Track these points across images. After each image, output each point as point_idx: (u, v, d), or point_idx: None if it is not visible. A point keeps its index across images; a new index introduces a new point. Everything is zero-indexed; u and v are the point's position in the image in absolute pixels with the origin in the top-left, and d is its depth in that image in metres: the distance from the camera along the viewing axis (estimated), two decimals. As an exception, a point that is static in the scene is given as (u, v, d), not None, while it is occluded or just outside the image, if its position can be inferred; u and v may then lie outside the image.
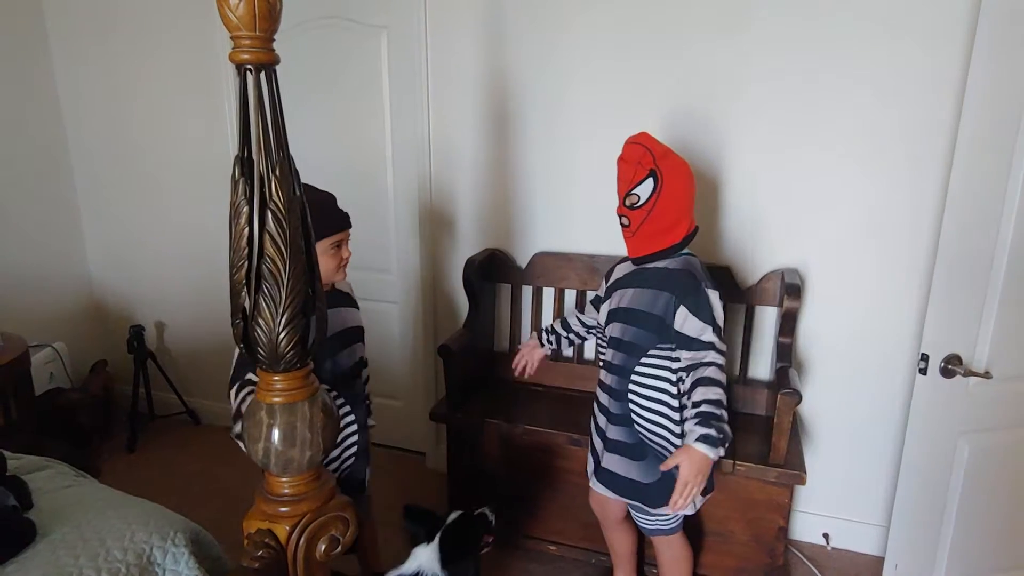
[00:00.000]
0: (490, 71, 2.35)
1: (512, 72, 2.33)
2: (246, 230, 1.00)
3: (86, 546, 1.16)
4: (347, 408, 1.64)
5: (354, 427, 1.66)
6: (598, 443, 1.79)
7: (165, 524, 1.26)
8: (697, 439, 1.49)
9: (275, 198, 1.00)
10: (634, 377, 1.67)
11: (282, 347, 1.04)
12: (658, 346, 1.63)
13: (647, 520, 1.77)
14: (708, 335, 1.56)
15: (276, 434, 1.09)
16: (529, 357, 1.99)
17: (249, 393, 1.48)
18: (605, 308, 1.76)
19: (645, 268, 1.66)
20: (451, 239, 2.58)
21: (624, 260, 1.76)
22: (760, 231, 2.19)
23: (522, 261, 2.46)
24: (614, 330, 1.71)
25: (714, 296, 1.59)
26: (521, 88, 2.33)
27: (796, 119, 2.06)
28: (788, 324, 2.06)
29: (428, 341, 2.69)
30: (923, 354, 1.65)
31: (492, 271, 2.45)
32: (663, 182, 1.54)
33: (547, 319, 2.46)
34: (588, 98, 2.26)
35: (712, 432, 1.50)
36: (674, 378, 1.63)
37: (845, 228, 2.10)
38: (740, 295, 2.20)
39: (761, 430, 2.13)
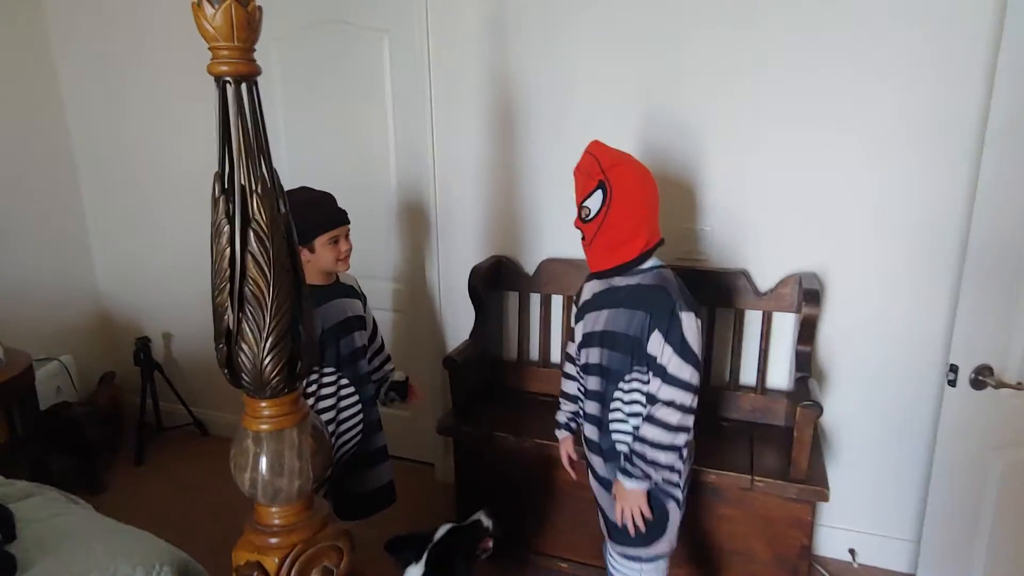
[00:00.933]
0: (493, 74, 2.29)
1: (515, 74, 2.27)
2: (227, 250, 0.95)
3: (68, 580, 1.12)
4: (351, 389, 1.79)
5: (358, 406, 1.81)
6: (592, 477, 1.68)
7: (151, 556, 1.21)
8: (619, 472, 1.50)
9: (257, 216, 0.95)
10: (613, 404, 1.54)
11: (267, 372, 0.99)
12: (635, 369, 1.50)
13: (614, 566, 1.66)
14: (673, 366, 1.42)
15: (263, 463, 1.03)
16: (571, 452, 1.81)
17: None
18: (579, 331, 1.61)
19: (615, 286, 1.53)
20: (457, 246, 2.52)
21: (591, 278, 1.61)
22: (776, 234, 2.11)
23: (529, 268, 2.39)
24: (591, 355, 1.57)
25: (688, 319, 1.43)
26: (525, 90, 2.27)
27: (812, 115, 1.98)
28: (807, 331, 1.97)
29: (435, 351, 2.63)
30: (952, 365, 1.56)
31: (499, 279, 2.39)
32: (612, 193, 1.43)
33: (556, 327, 2.40)
34: (593, 99, 2.19)
35: (629, 468, 1.48)
36: (635, 409, 1.53)
37: (866, 229, 2.01)
38: (756, 300, 2.12)
39: (780, 442, 2.04)
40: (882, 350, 2.08)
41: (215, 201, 0.94)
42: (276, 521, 1.09)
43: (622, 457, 1.53)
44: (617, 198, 1.43)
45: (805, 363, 1.98)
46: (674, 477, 1.53)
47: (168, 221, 2.97)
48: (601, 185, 1.44)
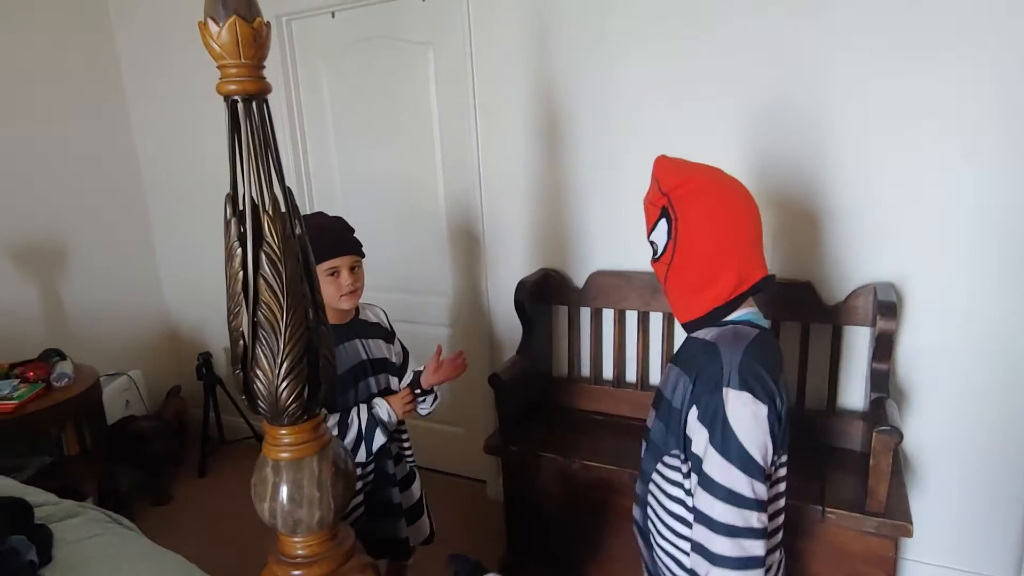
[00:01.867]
0: (538, 84, 2.23)
1: (560, 83, 2.19)
2: (240, 273, 0.92)
3: (92, 609, 1.12)
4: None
5: (373, 458, 1.62)
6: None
7: (174, 583, 1.21)
8: None
9: (269, 238, 0.91)
10: (651, 486, 1.18)
11: (283, 399, 0.95)
12: (672, 453, 1.12)
13: None
14: (713, 467, 1.01)
15: (283, 492, 1.00)
16: None
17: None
18: None
19: (691, 337, 1.16)
20: (504, 259, 2.47)
21: None
22: (847, 239, 1.93)
23: (579, 281, 2.31)
24: (649, 418, 1.23)
25: (737, 401, 1.00)
26: (570, 99, 2.19)
27: (891, 107, 1.80)
28: (883, 347, 1.79)
29: (484, 366, 2.58)
30: (1057, 387, 1.36)
31: (547, 293, 2.31)
32: (677, 223, 1.08)
33: (607, 342, 2.29)
34: (644, 105, 2.09)
35: None
36: (690, 501, 1.08)
37: (953, 235, 1.81)
38: (824, 314, 1.95)
39: (855, 469, 1.86)
40: (973, 368, 1.87)
41: (227, 224, 0.92)
42: (299, 552, 1.05)
43: None
44: (684, 229, 1.08)
45: (882, 382, 1.80)
46: None
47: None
48: (664, 212, 1.10)
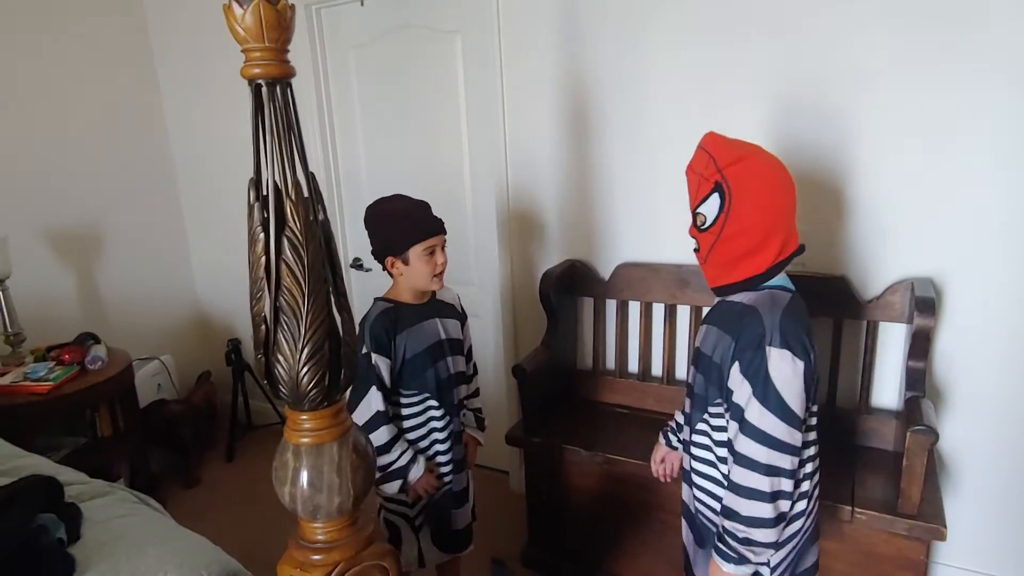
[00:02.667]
0: (566, 72, 2.20)
1: (589, 72, 2.16)
2: (263, 259, 0.92)
3: (118, 586, 1.14)
4: (446, 420, 1.67)
5: (450, 441, 1.69)
6: None
7: (200, 565, 1.22)
8: (713, 549, 1.23)
9: (292, 223, 0.91)
10: (694, 436, 1.33)
11: (304, 385, 0.95)
12: (715, 403, 1.25)
13: None
14: (753, 414, 1.13)
15: (303, 478, 1.00)
16: (670, 460, 1.58)
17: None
18: None
19: (725, 300, 1.28)
20: (530, 249, 2.45)
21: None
22: (884, 232, 1.87)
23: (605, 272, 2.28)
24: (689, 373, 1.37)
25: (780, 358, 1.12)
26: (600, 88, 2.16)
27: (929, 97, 1.73)
28: (920, 345, 1.73)
29: (508, 357, 2.57)
30: (1107, 389, 1.29)
31: (573, 284, 2.29)
32: (731, 197, 1.16)
33: (634, 335, 2.26)
34: (674, 94, 2.05)
35: (722, 548, 1.19)
36: (724, 452, 1.24)
37: (996, 230, 1.74)
38: (859, 309, 1.89)
39: (887, 469, 1.81)
40: (1012, 368, 1.79)
41: (250, 208, 0.92)
42: (319, 537, 1.05)
43: (715, 532, 1.26)
44: (738, 203, 1.16)
45: (918, 381, 1.74)
46: (775, 558, 1.23)
47: (257, 228, 3.10)
48: (718, 187, 1.17)
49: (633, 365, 2.29)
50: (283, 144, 0.91)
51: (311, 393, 0.96)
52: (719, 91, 1.98)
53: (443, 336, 1.66)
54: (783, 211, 1.18)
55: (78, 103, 2.83)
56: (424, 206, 1.61)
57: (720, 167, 1.17)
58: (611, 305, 2.29)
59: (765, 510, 1.14)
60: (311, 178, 0.95)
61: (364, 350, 1.55)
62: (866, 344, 1.92)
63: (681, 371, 2.22)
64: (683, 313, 2.17)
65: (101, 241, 2.93)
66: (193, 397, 2.99)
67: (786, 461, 1.14)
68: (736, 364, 1.17)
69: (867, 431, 1.94)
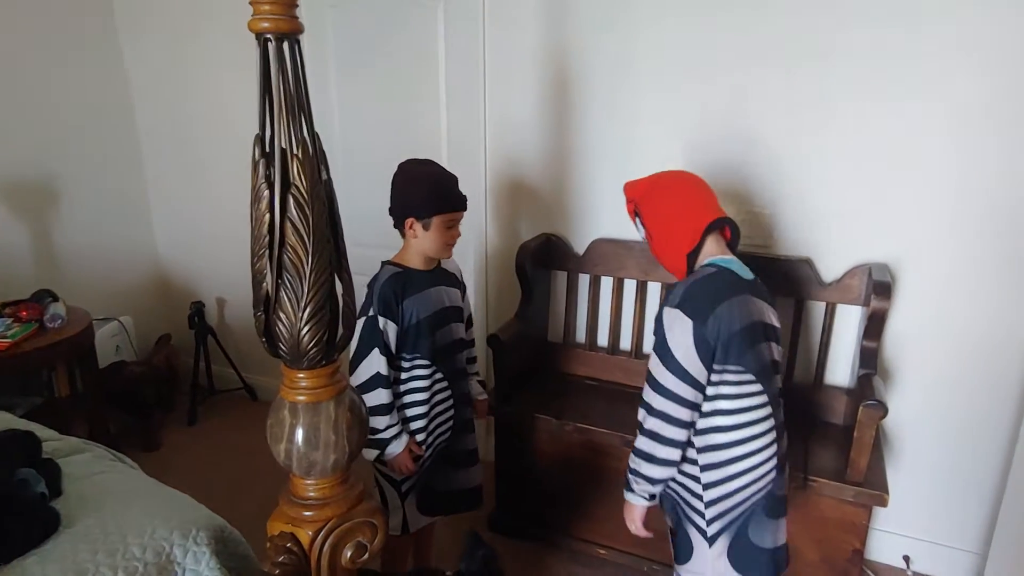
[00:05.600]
0: (549, 48, 2.20)
1: (572, 49, 2.17)
2: (267, 216, 0.92)
3: (106, 540, 1.13)
4: (445, 383, 1.70)
5: (450, 402, 1.72)
6: None
7: (188, 521, 1.22)
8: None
9: (297, 181, 0.91)
10: None
11: (304, 343, 0.96)
12: None
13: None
14: (653, 366, 1.32)
15: (299, 435, 1.02)
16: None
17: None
18: None
19: None
20: (507, 222, 2.47)
21: None
22: (845, 221, 1.97)
23: (579, 248, 2.32)
24: None
25: (670, 316, 1.30)
26: (581, 65, 2.17)
27: (887, 94, 1.82)
28: (875, 326, 1.84)
29: (481, 327, 2.59)
30: (1041, 370, 1.42)
31: (548, 257, 2.33)
32: (643, 218, 1.46)
33: (605, 310, 2.32)
34: (654, 75, 2.08)
35: (626, 478, 1.41)
36: None
37: (947, 220, 1.86)
38: (820, 291, 1.99)
39: (837, 441, 1.93)
40: (959, 351, 1.93)
41: (255, 164, 0.92)
42: (311, 494, 1.08)
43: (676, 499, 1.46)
44: (646, 217, 1.45)
45: (870, 360, 1.86)
46: (695, 503, 1.38)
47: (224, 188, 3.01)
48: (637, 211, 1.49)
49: (603, 339, 2.35)
50: (290, 102, 0.91)
51: (311, 351, 0.97)
52: (702, 76, 2.02)
53: (447, 303, 1.69)
54: (679, 208, 1.41)
55: (29, 50, 2.67)
56: (455, 179, 1.64)
57: (630, 199, 1.50)
58: (584, 280, 2.34)
59: (647, 445, 1.34)
60: (316, 137, 0.95)
61: (371, 312, 1.56)
62: (824, 324, 2.02)
63: (649, 346, 2.29)
64: (654, 290, 2.24)
65: (57, 194, 2.80)
66: (154, 359, 2.93)
67: (672, 408, 1.30)
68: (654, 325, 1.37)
69: (820, 405, 2.06)
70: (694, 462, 1.36)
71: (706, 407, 1.33)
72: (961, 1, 1.70)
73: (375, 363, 1.55)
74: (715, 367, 1.30)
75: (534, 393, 2.22)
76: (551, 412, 2.08)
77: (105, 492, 1.27)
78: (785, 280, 2.01)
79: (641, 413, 1.36)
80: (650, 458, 1.34)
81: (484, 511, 2.32)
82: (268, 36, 0.88)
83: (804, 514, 1.83)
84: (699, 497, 1.37)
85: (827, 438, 1.96)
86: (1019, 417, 1.85)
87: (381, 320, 1.55)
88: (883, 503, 1.72)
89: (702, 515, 1.37)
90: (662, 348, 1.31)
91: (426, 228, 1.59)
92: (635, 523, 1.44)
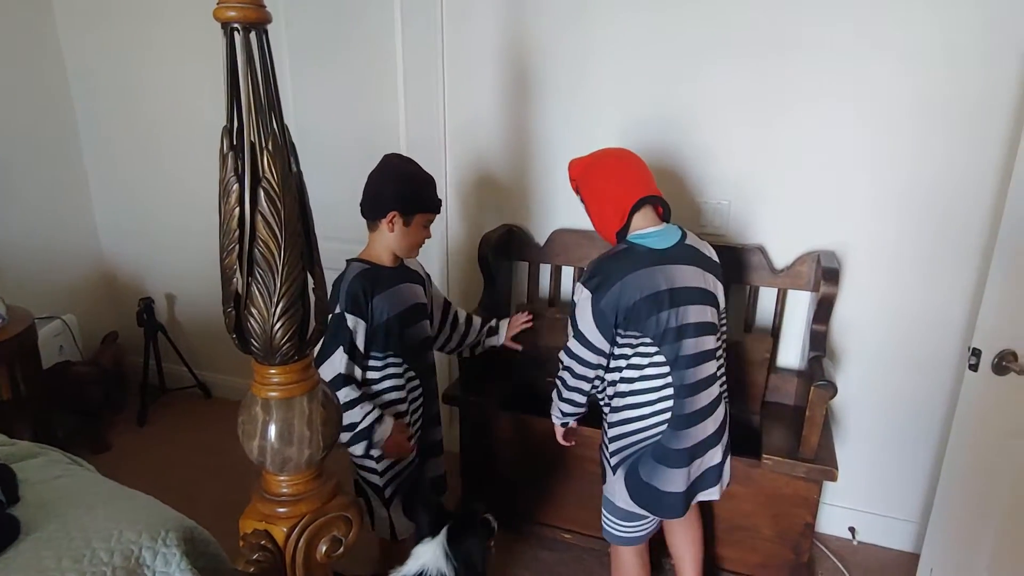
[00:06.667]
0: (508, 38, 2.21)
1: (532, 38, 2.18)
2: (236, 210, 0.90)
3: (71, 545, 1.09)
4: (417, 381, 1.72)
5: (421, 399, 1.75)
6: None
7: (156, 523, 1.19)
8: None
9: (268, 174, 0.90)
10: None
11: (278, 338, 0.95)
12: None
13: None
14: (569, 331, 1.54)
15: (272, 431, 1.00)
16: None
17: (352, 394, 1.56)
18: None
19: None
20: (468, 214, 2.47)
21: None
22: (795, 210, 2.05)
23: (540, 238, 2.35)
24: None
25: (578, 292, 1.51)
26: (541, 57, 2.19)
27: (835, 90, 1.90)
28: (823, 310, 1.93)
29: (442, 319, 2.59)
30: (974, 348, 1.52)
31: (509, 248, 2.34)
32: (582, 195, 1.61)
33: (566, 299, 2.36)
34: (612, 67, 2.12)
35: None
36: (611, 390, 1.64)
37: (887, 209, 1.96)
38: (772, 278, 2.07)
39: (790, 421, 2.02)
40: (898, 332, 2.04)
41: (223, 157, 0.89)
42: (285, 490, 1.07)
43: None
44: (585, 196, 1.60)
45: (820, 343, 1.95)
46: (606, 439, 1.63)
47: (172, 180, 2.91)
48: (577, 190, 1.62)
49: (564, 327, 2.39)
50: (257, 92, 0.89)
51: (284, 347, 0.96)
52: (659, 67, 2.07)
53: (415, 300, 1.69)
54: (611, 186, 1.53)
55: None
56: (433, 181, 1.66)
57: (572, 178, 1.63)
58: (545, 270, 2.37)
59: (557, 388, 1.63)
60: (284, 129, 0.94)
61: (338, 309, 1.53)
62: (776, 310, 2.11)
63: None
64: (614, 278, 2.28)
65: (-12, 187, 2.65)
66: (100, 359, 2.81)
67: (575, 366, 1.55)
68: None
69: (772, 388, 2.15)
70: (607, 406, 1.61)
71: (613, 364, 1.54)
72: (899, 15, 1.78)
73: (337, 363, 1.53)
74: (619, 332, 1.50)
75: (499, 383, 2.24)
76: (515, 401, 2.11)
77: (65, 496, 1.22)
78: (739, 267, 2.08)
79: (559, 368, 1.60)
80: (559, 396, 1.64)
81: (450, 502, 2.34)
82: (235, 26, 0.85)
83: (759, 491, 1.91)
84: (606, 434, 1.62)
85: (780, 418, 2.05)
86: (955, 394, 1.98)
87: (350, 318, 1.53)
88: (833, 478, 1.82)
89: (608, 448, 1.62)
90: (572, 317, 1.53)
91: (406, 224, 1.58)
92: (558, 436, 1.77)
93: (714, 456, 1.60)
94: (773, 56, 1.93)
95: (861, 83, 1.87)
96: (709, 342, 1.53)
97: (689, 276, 1.50)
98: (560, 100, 2.21)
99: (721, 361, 1.62)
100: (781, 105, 1.97)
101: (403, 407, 1.67)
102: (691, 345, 1.50)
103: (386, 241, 1.61)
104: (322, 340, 1.52)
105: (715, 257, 1.60)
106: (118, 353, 2.95)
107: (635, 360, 1.51)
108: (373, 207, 1.60)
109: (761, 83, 1.97)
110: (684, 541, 1.80)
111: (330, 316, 1.53)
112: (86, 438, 2.66)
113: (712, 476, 1.62)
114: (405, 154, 2.48)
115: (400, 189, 1.58)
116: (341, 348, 1.52)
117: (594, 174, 1.55)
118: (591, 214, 1.58)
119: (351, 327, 1.53)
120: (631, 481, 1.58)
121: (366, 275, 1.57)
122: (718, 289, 1.58)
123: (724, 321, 1.65)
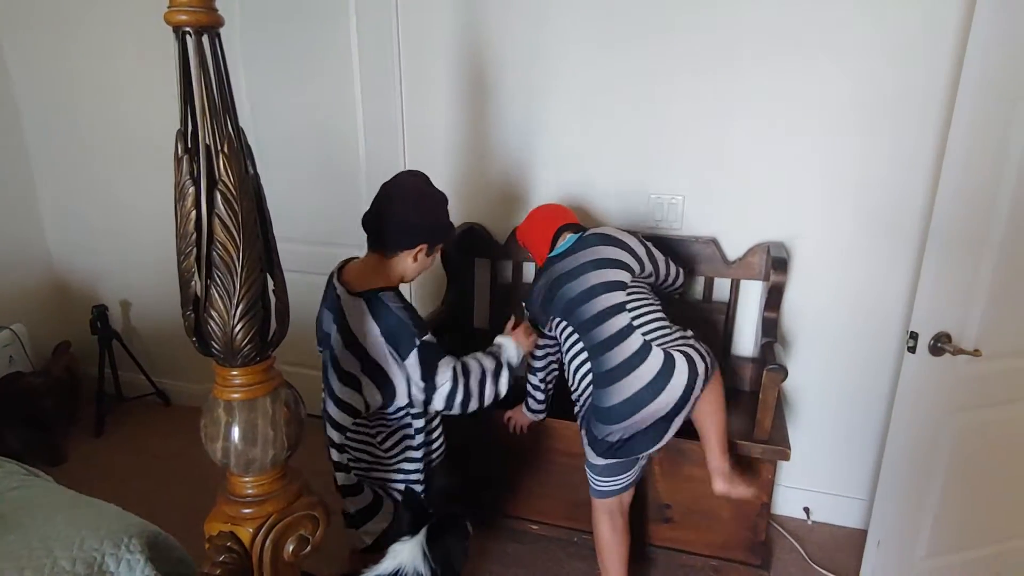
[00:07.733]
0: (466, 35, 2.23)
1: (490, 36, 2.20)
2: (193, 213, 0.91)
3: (31, 556, 1.07)
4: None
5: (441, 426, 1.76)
6: None
7: (119, 529, 1.18)
8: None
9: (224, 177, 0.91)
10: None
11: (238, 340, 0.96)
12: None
13: None
14: None
15: (235, 432, 1.01)
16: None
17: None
18: None
19: None
20: (428, 213, 2.48)
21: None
22: (745, 204, 2.13)
23: (500, 236, 2.37)
24: None
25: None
26: (499, 53, 2.21)
27: (781, 88, 1.98)
28: (774, 298, 2.01)
29: (405, 318, 2.60)
30: (912, 332, 1.61)
31: (471, 246, 2.36)
32: (527, 247, 1.98)
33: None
34: (568, 68, 2.15)
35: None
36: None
37: (830, 200, 2.05)
38: (725, 269, 2.15)
39: (745, 407, 2.10)
40: (844, 318, 2.14)
41: (178, 161, 0.90)
42: (250, 491, 1.07)
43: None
44: (530, 248, 1.96)
45: (771, 329, 2.03)
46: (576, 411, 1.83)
47: (123, 183, 2.83)
48: (524, 246, 2.01)
49: (527, 323, 2.42)
50: (211, 95, 0.90)
51: (245, 349, 0.97)
52: (612, 67, 2.11)
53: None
54: (538, 242, 1.89)
55: None
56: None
57: (518, 240, 2.00)
58: (506, 267, 2.40)
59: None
60: (240, 132, 0.95)
61: (420, 339, 1.44)
62: (730, 299, 2.18)
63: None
64: (574, 273, 2.32)
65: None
66: (53, 369, 2.73)
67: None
68: None
69: (728, 374, 2.22)
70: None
71: (556, 344, 1.84)
72: (834, 14, 1.87)
73: (449, 370, 1.48)
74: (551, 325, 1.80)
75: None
76: (481, 397, 2.12)
77: (24, 507, 1.19)
78: (697, 259, 2.15)
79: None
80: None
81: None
82: (187, 29, 0.86)
83: (718, 475, 1.98)
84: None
85: (737, 404, 2.12)
86: (896, 375, 2.08)
87: (428, 336, 1.46)
88: (786, 457, 1.89)
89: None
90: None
91: (429, 254, 1.52)
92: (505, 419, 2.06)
93: (673, 393, 1.61)
94: (722, 60, 2.00)
95: (806, 84, 1.95)
96: (612, 298, 1.67)
97: (579, 258, 1.73)
98: (516, 100, 2.24)
99: (641, 311, 1.68)
100: (731, 106, 2.04)
101: (435, 434, 1.68)
102: (586, 309, 1.68)
103: (401, 269, 1.52)
104: (422, 374, 1.46)
105: (624, 236, 1.80)
106: (71, 362, 2.87)
107: (565, 345, 1.78)
108: (400, 239, 1.48)
109: (712, 86, 2.03)
110: (698, 416, 1.75)
111: (415, 349, 1.45)
112: (42, 450, 2.58)
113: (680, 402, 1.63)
114: (363, 154, 2.50)
115: (432, 222, 1.51)
116: (443, 357, 1.47)
117: (528, 233, 1.94)
118: (535, 258, 1.92)
119: (433, 340, 1.48)
120: (586, 429, 1.76)
121: (401, 298, 1.51)
122: (630, 252, 1.77)
123: (649, 273, 1.83)
